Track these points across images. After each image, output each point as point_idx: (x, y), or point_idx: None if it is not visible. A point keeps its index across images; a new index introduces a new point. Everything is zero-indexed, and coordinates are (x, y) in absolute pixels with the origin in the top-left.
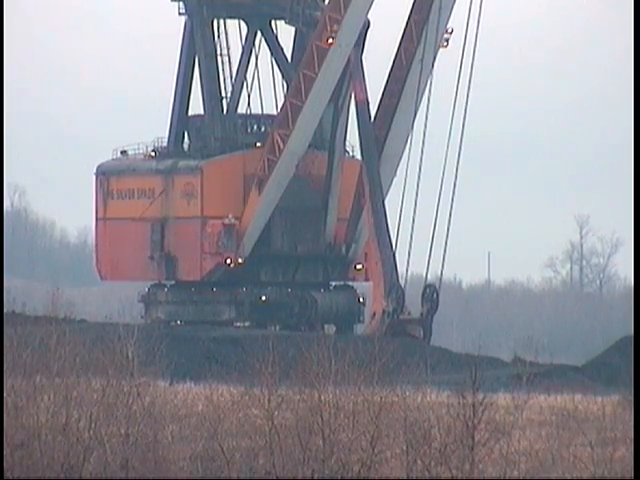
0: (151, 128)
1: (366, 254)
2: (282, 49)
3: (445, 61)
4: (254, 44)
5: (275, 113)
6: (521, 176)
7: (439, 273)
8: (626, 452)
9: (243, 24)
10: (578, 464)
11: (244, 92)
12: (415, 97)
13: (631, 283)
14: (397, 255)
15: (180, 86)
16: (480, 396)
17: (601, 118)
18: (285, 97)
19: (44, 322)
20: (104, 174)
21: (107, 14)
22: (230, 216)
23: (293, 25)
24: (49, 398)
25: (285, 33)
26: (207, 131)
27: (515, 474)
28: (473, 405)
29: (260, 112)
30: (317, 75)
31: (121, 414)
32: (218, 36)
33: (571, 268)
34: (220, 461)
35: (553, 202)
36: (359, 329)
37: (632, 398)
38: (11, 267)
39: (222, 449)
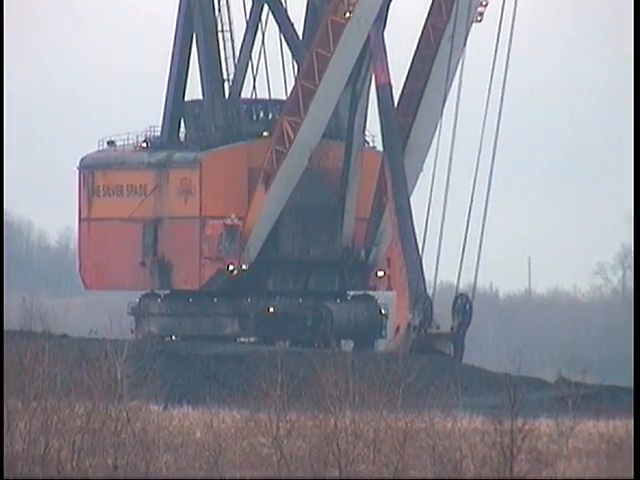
0: (142, 115)
1: (388, 259)
2: (292, 25)
3: (479, 38)
4: (260, 19)
5: (284, 98)
6: (567, 170)
7: (472, 281)
8: None
9: None
10: None
11: (249, 74)
12: (444, 80)
13: None
14: (424, 260)
15: (175, 67)
16: (519, 422)
17: None
18: (296, 80)
19: (19, 337)
20: (88, 168)
21: None
22: (233, 216)
23: None
24: (25, 425)
25: (296, 6)
26: (206, 119)
27: None
28: (512, 432)
29: (267, 97)
30: (332, 55)
31: (108, 443)
32: (219, 10)
33: (623, 275)
34: None
35: (603, 200)
36: (381, 345)
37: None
38: None
39: None
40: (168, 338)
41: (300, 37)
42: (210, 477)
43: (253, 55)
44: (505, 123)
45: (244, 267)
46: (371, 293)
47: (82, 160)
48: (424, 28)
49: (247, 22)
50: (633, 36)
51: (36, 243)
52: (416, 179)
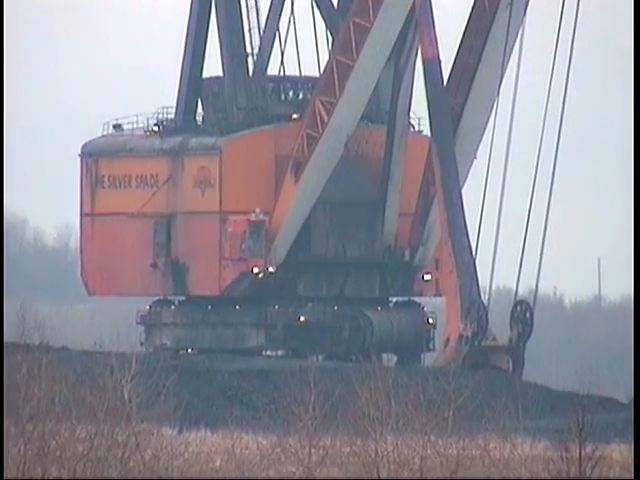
0: (154, 95)
1: (437, 261)
2: None
3: (541, 6)
4: None
5: (317, 75)
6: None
7: (533, 286)
8: None
9: None
10: None
11: (276, 48)
12: (501, 54)
13: None
14: (478, 262)
15: (192, 40)
16: (589, 448)
17: None
18: (330, 54)
19: (13, 350)
20: (91, 156)
21: None
22: (258, 211)
23: None
24: (19, 451)
25: None
26: (227, 99)
27: None
28: (580, 460)
29: (297, 74)
30: (372, 25)
31: (115, 472)
32: None
33: None
34: None
35: None
36: (428, 359)
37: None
38: None
39: None
40: (183, 351)
41: (335, 5)
42: None
43: (281, 26)
44: (571, 104)
45: (271, 269)
46: (417, 299)
47: (84, 146)
48: None
49: None
50: (633, 36)
51: (31, 243)
52: (469, 168)
